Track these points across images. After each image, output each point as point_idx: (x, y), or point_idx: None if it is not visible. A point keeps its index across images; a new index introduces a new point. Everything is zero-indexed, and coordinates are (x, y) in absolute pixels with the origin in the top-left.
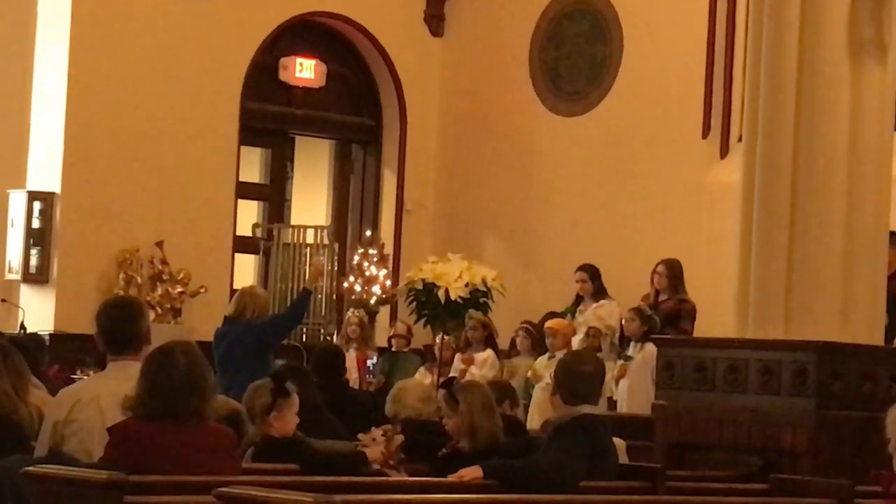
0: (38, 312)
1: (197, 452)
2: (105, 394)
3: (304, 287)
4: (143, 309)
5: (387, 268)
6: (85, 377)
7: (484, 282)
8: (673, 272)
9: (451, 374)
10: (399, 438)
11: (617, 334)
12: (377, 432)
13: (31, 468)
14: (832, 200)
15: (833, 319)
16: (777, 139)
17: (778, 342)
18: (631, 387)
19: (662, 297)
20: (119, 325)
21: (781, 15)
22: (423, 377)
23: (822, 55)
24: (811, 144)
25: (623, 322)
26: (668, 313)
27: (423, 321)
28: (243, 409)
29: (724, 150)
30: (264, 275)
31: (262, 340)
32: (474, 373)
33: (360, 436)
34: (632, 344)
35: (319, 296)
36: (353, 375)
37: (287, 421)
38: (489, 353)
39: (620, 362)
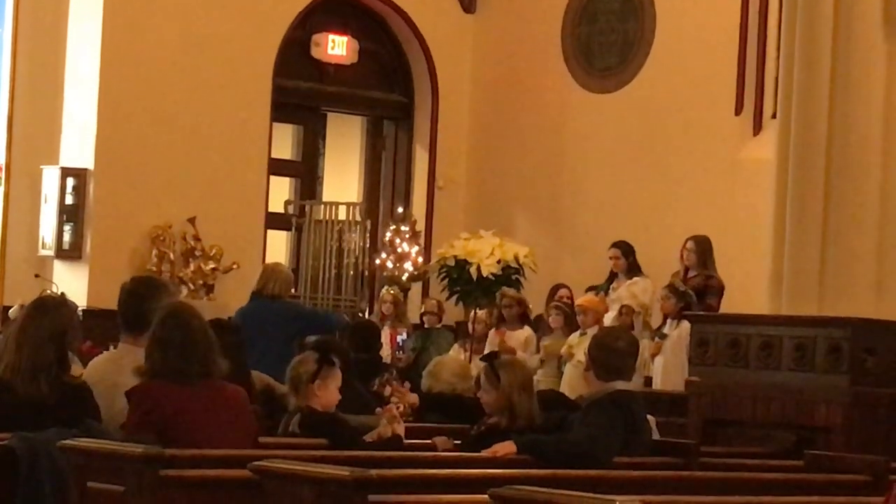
0: (71, 288)
1: (216, 410)
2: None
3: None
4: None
5: (419, 244)
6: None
7: (516, 258)
8: (702, 248)
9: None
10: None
11: (650, 311)
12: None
13: (67, 441)
14: (866, 177)
15: (867, 296)
16: (811, 115)
17: (812, 318)
18: (666, 364)
19: (691, 274)
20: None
21: None
22: (458, 354)
23: (857, 31)
24: (846, 120)
25: (659, 300)
26: (695, 289)
27: (454, 298)
28: (276, 385)
29: (757, 127)
30: (296, 251)
31: (300, 330)
32: (520, 355)
33: (378, 410)
34: (668, 321)
35: (352, 272)
36: (385, 352)
37: (330, 392)
38: (528, 331)
39: (656, 339)
